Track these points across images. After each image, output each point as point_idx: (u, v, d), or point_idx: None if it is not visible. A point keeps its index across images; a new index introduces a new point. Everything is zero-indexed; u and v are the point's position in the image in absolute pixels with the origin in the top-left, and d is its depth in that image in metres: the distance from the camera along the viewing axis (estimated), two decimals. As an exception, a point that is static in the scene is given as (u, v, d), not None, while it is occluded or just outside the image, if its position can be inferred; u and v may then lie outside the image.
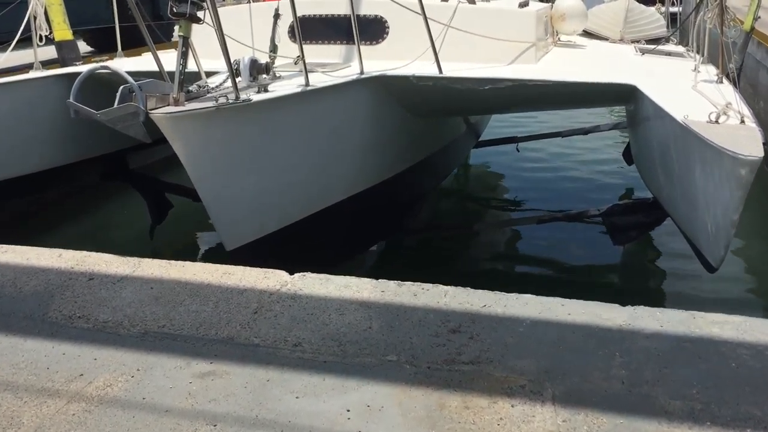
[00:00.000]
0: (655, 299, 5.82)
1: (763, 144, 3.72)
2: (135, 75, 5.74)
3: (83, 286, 3.57)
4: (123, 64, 7.26)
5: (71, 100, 4.26)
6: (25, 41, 7.05)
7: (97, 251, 4.03)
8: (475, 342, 2.97)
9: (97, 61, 7.79)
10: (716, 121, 4.05)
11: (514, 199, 8.98)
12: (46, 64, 8.34)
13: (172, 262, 3.84)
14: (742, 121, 4.11)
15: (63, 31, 8.05)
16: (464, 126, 9.08)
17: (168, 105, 4.13)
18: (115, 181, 7.38)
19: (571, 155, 10.44)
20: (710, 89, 5.13)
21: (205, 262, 4.54)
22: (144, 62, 4.61)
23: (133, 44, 7.68)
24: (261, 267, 3.79)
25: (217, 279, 3.62)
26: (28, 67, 7.14)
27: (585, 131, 9.93)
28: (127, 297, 3.44)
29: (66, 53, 8.16)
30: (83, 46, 13.01)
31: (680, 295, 5.83)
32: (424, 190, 7.71)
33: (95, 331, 3.14)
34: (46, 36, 7.33)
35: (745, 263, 6.46)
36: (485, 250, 6.86)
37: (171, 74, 4.32)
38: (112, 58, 7.88)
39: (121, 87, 4.10)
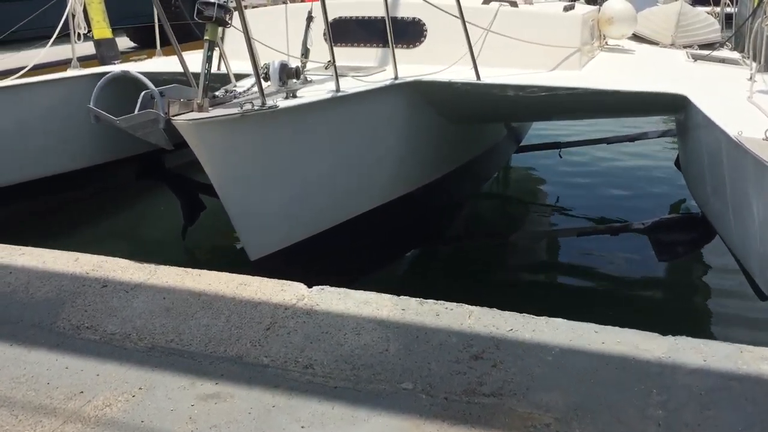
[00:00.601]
0: (700, 326, 5.46)
1: None
2: (164, 77, 5.66)
3: (96, 294, 3.46)
4: (160, 63, 7.23)
5: (91, 105, 4.16)
6: (66, 36, 7.07)
7: (126, 250, 3.94)
8: (498, 371, 2.75)
9: (137, 58, 7.78)
10: None
11: (555, 207, 8.65)
12: (86, 59, 8.40)
13: (189, 270, 3.71)
14: None
15: (102, 29, 8.07)
16: (505, 131, 8.81)
17: (191, 111, 4.01)
18: (150, 180, 7.33)
19: (617, 162, 10.04)
20: (767, 101, 4.80)
21: (230, 265, 4.45)
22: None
23: (177, 40, 7.64)
24: (280, 278, 3.65)
25: (232, 290, 3.47)
26: (66, 64, 7.14)
27: (632, 138, 9.54)
28: (139, 307, 3.32)
29: (105, 51, 8.19)
30: (126, 42, 13.12)
31: (728, 323, 5.43)
32: (460, 197, 7.48)
33: (101, 344, 3.02)
34: (84, 34, 7.36)
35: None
36: (521, 261, 6.58)
37: (198, 77, 4.20)
38: (151, 56, 7.87)
39: (143, 93, 3.99)
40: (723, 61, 7.00)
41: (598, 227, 6.63)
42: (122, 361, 2.87)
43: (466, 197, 7.77)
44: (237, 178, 4.39)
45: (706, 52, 7.31)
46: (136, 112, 3.93)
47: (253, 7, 7.38)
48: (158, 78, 6.02)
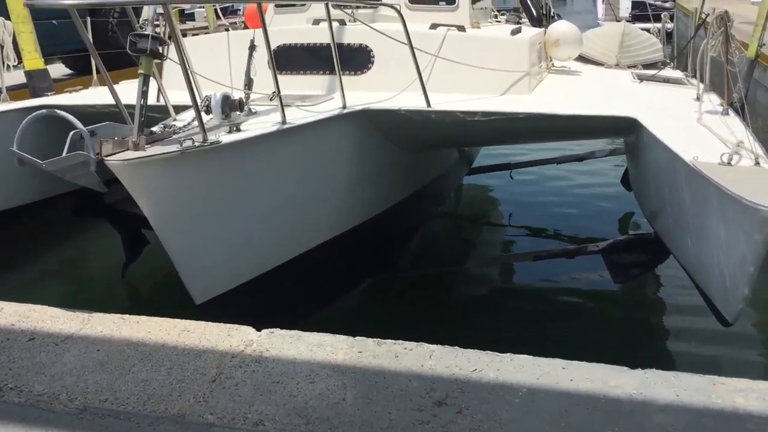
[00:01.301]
0: (666, 352, 5.40)
1: None
2: (98, 110, 5.35)
3: (21, 349, 3.16)
4: (95, 94, 6.90)
5: (14, 148, 3.81)
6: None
7: (59, 295, 3.63)
8: (464, 418, 2.57)
9: (71, 89, 7.42)
10: (728, 163, 3.72)
11: (509, 229, 8.59)
12: (17, 89, 8.00)
13: (126, 317, 3.44)
14: (757, 163, 3.78)
15: (33, 60, 7.73)
16: (456, 154, 8.74)
17: (126, 150, 3.73)
18: (88, 215, 6.97)
19: (567, 181, 10.08)
20: (716, 122, 4.81)
21: (175, 306, 4.18)
22: (119, 91, 4.25)
23: (116, 65, 7.31)
24: (228, 321, 3.41)
25: (174, 338, 3.22)
26: (-6, 96, 6.77)
27: (580, 158, 9.62)
28: (70, 362, 3.03)
29: (37, 83, 7.83)
30: (62, 68, 12.65)
31: (692, 343, 5.37)
32: (413, 224, 7.33)
33: (27, 407, 2.73)
34: (14, 65, 7.01)
35: (761, 313, 5.98)
36: (478, 289, 6.44)
37: (133, 110, 3.92)
38: (87, 86, 7.52)
39: (71, 133, 3.66)
40: (667, 80, 7.07)
41: (554, 251, 6.56)
42: (49, 427, 2.59)
43: (420, 224, 7.63)
44: (177, 219, 4.11)
45: (650, 72, 7.38)
46: (64, 153, 3.62)
47: (194, 34, 7.16)
48: (92, 111, 5.73)
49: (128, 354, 3.08)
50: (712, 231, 3.73)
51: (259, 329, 3.31)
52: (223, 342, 3.18)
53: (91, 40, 5.51)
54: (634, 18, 21.84)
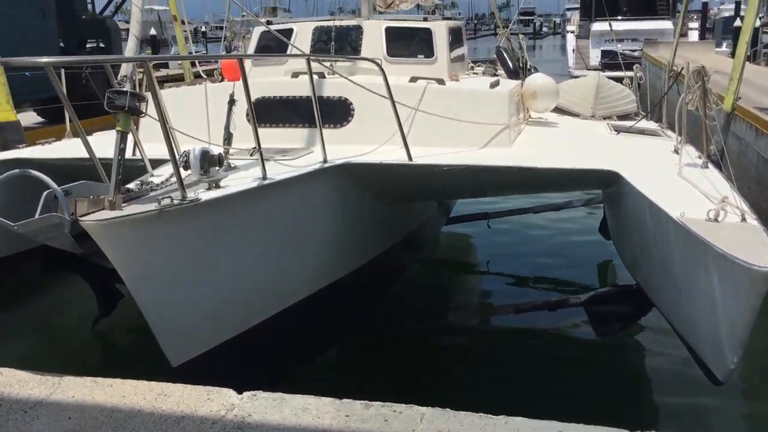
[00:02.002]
0: (654, 405, 5.31)
1: None
2: (72, 164, 5.19)
3: (-13, 417, 2.97)
4: (69, 147, 6.74)
5: None
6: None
7: (27, 355, 3.43)
8: (459, 489, 2.43)
9: (44, 141, 7.24)
10: (715, 219, 3.71)
11: (489, 281, 8.52)
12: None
13: (99, 380, 3.26)
14: (743, 219, 3.78)
15: (6, 112, 7.62)
16: (435, 204, 8.71)
17: (102, 209, 3.60)
18: (59, 271, 6.74)
19: (545, 229, 10.09)
20: (696, 176, 4.84)
21: (151, 363, 4.01)
22: (93, 143, 4.12)
23: (90, 113, 7.18)
24: (207, 383, 3.25)
25: (150, 403, 3.05)
26: (-37, 149, 6.60)
27: (557, 207, 9.67)
28: (39, 431, 2.84)
29: (9, 135, 7.70)
30: (33, 117, 12.51)
31: (681, 396, 5.27)
32: (393, 276, 7.23)
33: (-10, 483, 2.54)
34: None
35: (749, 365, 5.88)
36: (460, 344, 6.30)
37: (109, 166, 3.79)
38: (60, 136, 7.37)
39: (45, 193, 3.54)
40: (643, 132, 7.15)
41: (536, 303, 6.48)
42: (15, 506, 2.40)
43: (400, 275, 7.53)
44: (154, 279, 3.96)
45: (627, 124, 7.47)
46: (37, 215, 3.47)
47: (169, 84, 7.08)
48: (66, 165, 5.58)
49: (102, 421, 2.90)
50: (702, 288, 3.70)
51: (240, 392, 3.16)
52: (202, 407, 3.03)
53: (65, 91, 5.43)
54: (605, 66, 22.44)
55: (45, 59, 3.47)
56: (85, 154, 4.01)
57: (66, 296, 7.21)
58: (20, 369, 3.40)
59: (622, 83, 8.84)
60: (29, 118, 12.26)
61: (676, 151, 5.50)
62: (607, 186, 6.08)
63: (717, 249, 3.33)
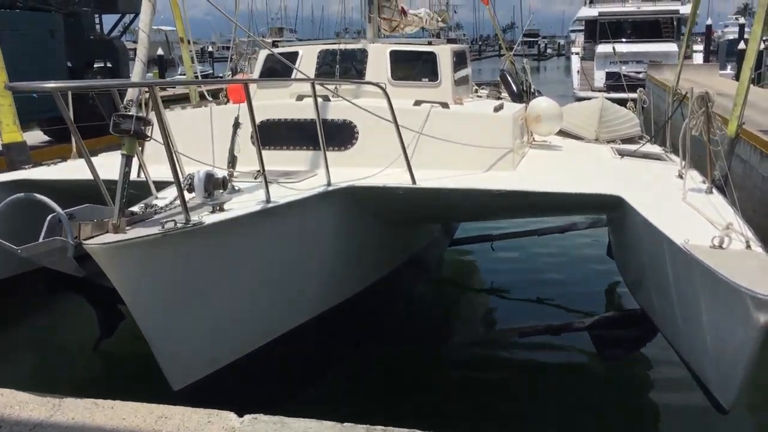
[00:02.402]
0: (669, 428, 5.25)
1: None
2: (78, 186, 5.21)
3: (-14, 439, 2.95)
4: (74, 168, 6.77)
5: None
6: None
7: (28, 375, 3.41)
8: None
9: (50, 162, 7.27)
10: (720, 246, 3.70)
11: (493, 304, 8.48)
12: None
13: (99, 401, 3.25)
14: (748, 246, 3.78)
15: (12, 133, 7.67)
16: (439, 226, 8.71)
17: (106, 232, 3.61)
18: (61, 292, 6.73)
19: (549, 251, 10.07)
20: (701, 201, 4.85)
21: (151, 384, 3.99)
22: (98, 165, 4.13)
23: (99, 131, 7.22)
24: (208, 405, 3.23)
25: (150, 426, 3.04)
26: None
27: (561, 230, 9.65)
28: (38, 454, 2.83)
29: (15, 155, 7.75)
30: (40, 135, 12.56)
31: (687, 423, 5.23)
32: (396, 299, 7.21)
33: (-12, 507, 2.52)
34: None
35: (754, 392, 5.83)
36: (463, 368, 6.25)
37: (114, 189, 3.80)
38: (66, 156, 7.41)
39: (49, 217, 3.55)
40: (647, 156, 7.17)
41: (539, 327, 6.45)
42: None
43: (403, 298, 7.51)
44: (157, 303, 3.96)
45: (631, 148, 7.48)
46: (41, 238, 3.48)
47: (174, 103, 7.12)
48: (71, 187, 5.59)
49: (101, 444, 2.89)
50: (707, 316, 3.69)
51: (241, 415, 3.14)
52: (203, 430, 3.01)
53: (71, 113, 5.47)
54: (609, 88, 22.52)
55: (51, 84, 3.50)
56: (90, 176, 4.03)
57: (68, 316, 7.20)
58: (21, 390, 3.39)
59: (626, 106, 8.87)
60: (36, 137, 12.33)
61: (680, 176, 5.51)
62: (611, 210, 6.08)
63: (722, 276, 3.33)
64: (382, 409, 3.27)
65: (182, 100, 11.96)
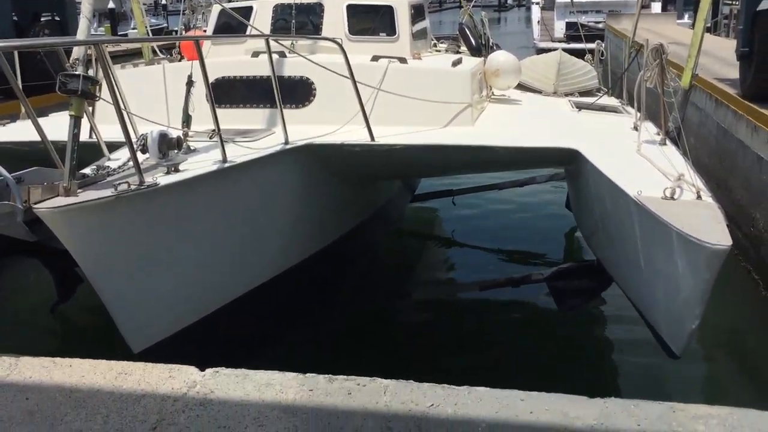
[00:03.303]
0: (617, 377, 5.41)
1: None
2: (27, 149, 5.04)
3: (-60, 400, 2.89)
4: (24, 129, 6.55)
5: None
6: None
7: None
8: (423, 458, 2.45)
9: None
10: (671, 197, 3.78)
11: (454, 258, 8.57)
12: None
13: (57, 360, 3.19)
14: (699, 196, 3.85)
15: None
16: (399, 182, 8.71)
17: (57, 195, 3.51)
18: (18, 255, 6.57)
19: (509, 205, 10.18)
20: (655, 152, 4.92)
21: (112, 347, 3.95)
22: (48, 126, 3.97)
23: (50, 88, 6.98)
24: (166, 362, 3.21)
25: (110, 382, 3.00)
26: None
27: (521, 183, 9.74)
28: (-5, 412, 2.78)
29: (-37, 117, 7.41)
30: None
31: (642, 369, 5.38)
32: (357, 256, 7.22)
33: (-56, 466, 2.48)
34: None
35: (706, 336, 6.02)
36: (424, 321, 6.33)
37: (64, 150, 3.68)
38: (15, 110, 7.12)
39: None
40: (603, 108, 7.23)
41: (499, 280, 6.54)
42: (-29, 488, 2.35)
43: (364, 255, 7.52)
44: (112, 267, 3.90)
45: (588, 100, 7.54)
46: None
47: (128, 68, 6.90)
48: (20, 149, 5.42)
49: (60, 402, 2.85)
50: (658, 265, 3.78)
51: (202, 369, 3.13)
52: (163, 384, 2.99)
53: (18, 73, 5.26)
54: (569, 38, 22.50)
55: None
56: (40, 138, 3.90)
57: (25, 275, 7.05)
58: (-25, 351, 3.31)
59: (584, 59, 8.90)
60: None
61: (635, 128, 5.57)
62: (568, 163, 6.14)
63: (672, 227, 3.40)
64: (345, 365, 3.28)
65: (134, 55, 11.56)
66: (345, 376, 3.02)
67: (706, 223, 3.48)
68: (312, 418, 2.71)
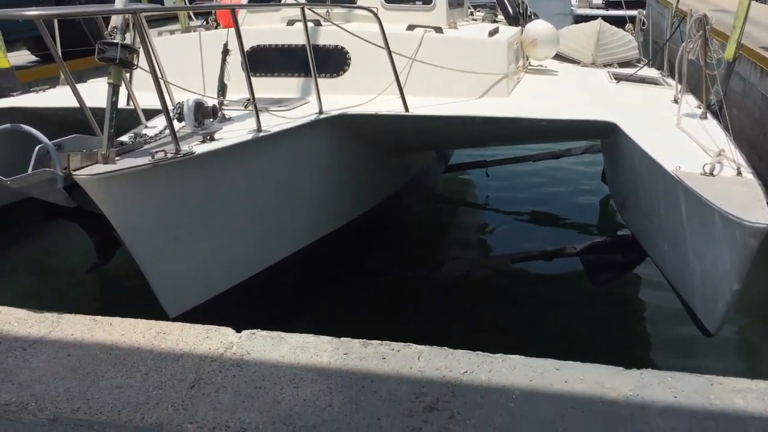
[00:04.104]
0: (652, 351, 5.35)
1: None
2: (67, 114, 5.10)
3: (-13, 354, 2.98)
4: (63, 94, 6.63)
5: None
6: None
7: (26, 294, 3.43)
8: (456, 423, 2.46)
9: (39, 89, 7.07)
10: (711, 173, 3.68)
11: (487, 230, 8.51)
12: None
13: (98, 318, 3.27)
14: (739, 173, 3.75)
15: (-1, 60, 7.45)
16: (433, 153, 8.65)
17: (95, 163, 3.56)
18: (58, 219, 6.70)
19: (543, 177, 10.04)
20: (695, 126, 4.79)
21: (150, 305, 4.02)
22: (87, 92, 4.02)
23: (86, 52, 7.03)
24: (203, 323, 3.26)
25: (149, 341, 3.07)
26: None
27: (556, 155, 9.60)
28: (39, 368, 2.86)
29: (3, 82, 7.55)
30: (27, 56, 12.21)
31: (678, 344, 5.30)
32: (391, 226, 7.21)
33: (-8, 417, 2.56)
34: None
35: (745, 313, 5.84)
36: (457, 293, 6.28)
37: (102, 118, 3.72)
38: (54, 86, 7.20)
39: (37, 147, 3.47)
40: (643, 80, 7.06)
41: (532, 253, 6.47)
42: (18, 438, 2.43)
43: (397, 225, 7.52)
44: (149, 233, 3.94)
45: (627, 71, 7.36)
46: (30, 170, 3.43)
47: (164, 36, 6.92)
48: (60, 115, 5.48)
49: (101, 359, 2.92)
50: (694, 243, 3.71)
51: (239, 330, 3.17)
52: (201, 345, 3.04)
53: (58, 39, 5.30)
54: (608, 5, 21.84)
55: (34, 12, 3.41)
56: (69, 106, 3.93)
57: (66, 237, 7.19)
58: (19, 308, 3.40)
59: (624, 28, 8.68)
60: (23, 57, 12.00)
61: (676, 101, 5.44)
62: (604, 136, 6.02)
63: (710, 203, 3.32)
64: (377, 331, 3.30)
65: (170, 20, 11.55)
66: (379, 341, 3.04)
67: (746, 201, 3.39)
68: (346, 381, 2.74)
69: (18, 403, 2.63)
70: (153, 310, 4.06)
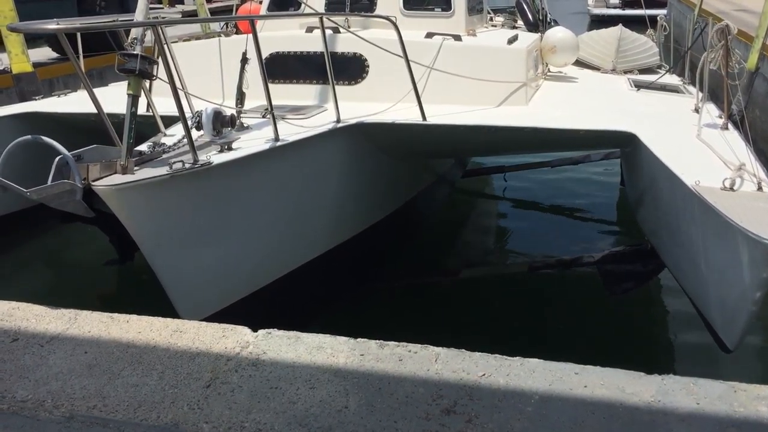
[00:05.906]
0: (680, 355, 5.27)
1: None
2: (87, 120, 5.13)
3: (4, 350, 2.98)
4: (84, 99, 6.67)
5: None
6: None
7: (43, 291, 3.44)
8: (474, 427, 2.43)
9: (60, 93, 7.11)
10: (731, 188, 3.62)
11: (504, 237, 8.46)
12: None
13: (115, 316, 3.27)
14: (759, 188, 3.68)
15: (22, 63, 7.55)
16: (451, 160, 8.63)
17: (114, 173, 3.60)
18: (76, 222, 6.75)
19: (561, 183, 9.98)
20: (715, 138, 4.73)
21: (166, 301, 4.03)
22: (107, 97, 4.03)
23: (106, 48, 7.07)
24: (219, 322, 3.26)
25: (165, 339, 3.06)
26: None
27: (575, 161, 9.54)
28: (56, 365, 2.86)
29: (25, 86, 7.66)
30: (48, 52, 12.34)
31: (697, 353, 5.24)
32: (408, 233, 7.18)
33: (9, 414, 2.55)
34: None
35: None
36: (474, 300, 6.24)
37: (122, 125, 3.74)
38: (75, 90, 7.24)
39: (57, 159, 3.51)
40: (664, 87, 6.99)
41: (549, 262, 6.41)
42: (34, 434, 2.42)
43: (414, 232, 7.49)
44: (167, 243, 3.97)
45: (647, 78, 7.30)
46: (49, 181, 3.46)
47: (185, 41, 6.97)
48: (80, 120, 5.52)
49: (117, 356, 2.92)
50: (713, 258, 3.65)
51: (255, 330, 3.16)
52: (217, 343, 3.03)
53: (80, 45, 5.33)
54: (625, 4, 21.62)
55: (54, 26, 3.45)
56: (88, 111, 3.96)
57: (83, 231, 7.22)
58: (36, 304, 3.41)
59: (646, 34, 8.62)
60: (44, 53, 12.13)
61: (697, 111, 5.37)
62: (623, 146, 5.97)
63: (730, 220, 3.26)
64: (396, 337, 3.27)
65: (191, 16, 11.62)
66: (396, 343, 3.01)
67: (766, 218, 3.33)
68: (362, 383, 2.71)
69: (34, 400, 2.63)
70: (169, 306, 4.08)
